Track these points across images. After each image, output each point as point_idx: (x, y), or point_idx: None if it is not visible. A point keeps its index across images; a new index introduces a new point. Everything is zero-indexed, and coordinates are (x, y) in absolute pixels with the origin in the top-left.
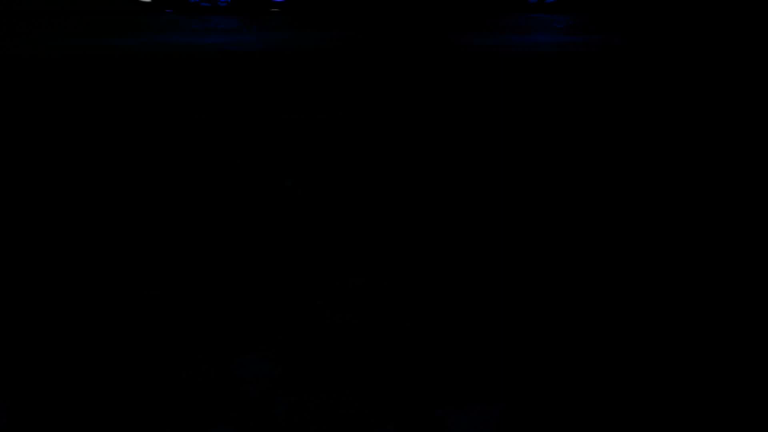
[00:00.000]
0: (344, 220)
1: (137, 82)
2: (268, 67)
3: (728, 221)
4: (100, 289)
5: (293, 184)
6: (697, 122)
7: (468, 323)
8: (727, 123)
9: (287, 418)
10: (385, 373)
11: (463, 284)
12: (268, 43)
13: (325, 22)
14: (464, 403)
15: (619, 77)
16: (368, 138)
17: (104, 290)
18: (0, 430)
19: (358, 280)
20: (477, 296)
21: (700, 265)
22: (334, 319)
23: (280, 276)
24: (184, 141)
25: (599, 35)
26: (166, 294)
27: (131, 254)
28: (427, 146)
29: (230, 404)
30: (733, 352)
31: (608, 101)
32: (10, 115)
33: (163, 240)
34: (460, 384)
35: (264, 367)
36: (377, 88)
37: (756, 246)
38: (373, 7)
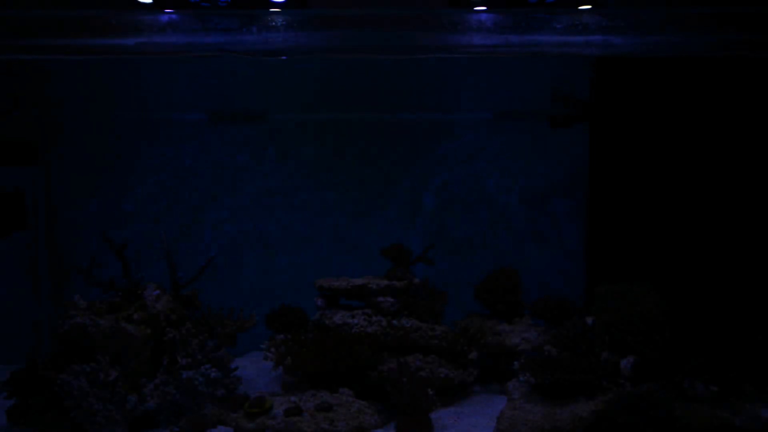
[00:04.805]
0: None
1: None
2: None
3: None
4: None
5: None
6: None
7: None
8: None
9: (287, 418)
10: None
11: None
12: (269, 42)
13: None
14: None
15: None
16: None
17: None
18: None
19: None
20: None
21: None
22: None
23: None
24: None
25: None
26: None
27: None
28: None
29: (230, 404)
30: None
31: None
32: None
33: None
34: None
35: (266, 366)
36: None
37: None
38: None
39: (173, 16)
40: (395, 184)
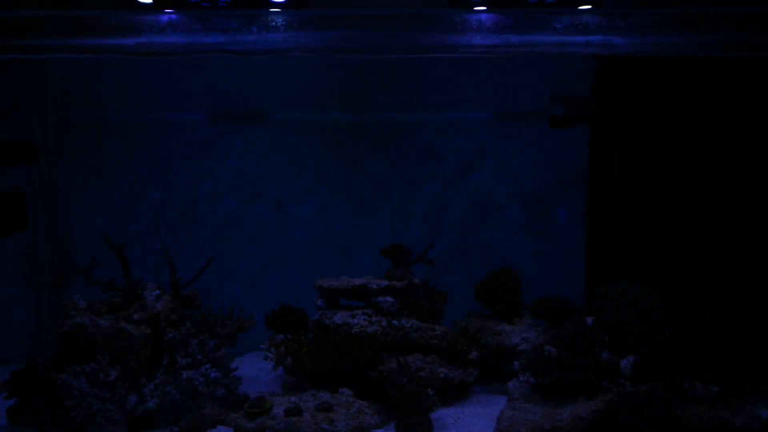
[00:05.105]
0: None
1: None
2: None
3: None
4: None
5: None
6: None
7: None
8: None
9: (287, 418)
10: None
11: None
12: (269, 42)
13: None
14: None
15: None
16: None
17: None
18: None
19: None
20: None
21: None
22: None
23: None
24: None
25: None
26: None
27: None
28: None
29: (230, 404)
30: None
31: None
32: None
33: None
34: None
35: (266, 366)
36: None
37: None
38: None
39: (173, 16)
40: (395, 183)
